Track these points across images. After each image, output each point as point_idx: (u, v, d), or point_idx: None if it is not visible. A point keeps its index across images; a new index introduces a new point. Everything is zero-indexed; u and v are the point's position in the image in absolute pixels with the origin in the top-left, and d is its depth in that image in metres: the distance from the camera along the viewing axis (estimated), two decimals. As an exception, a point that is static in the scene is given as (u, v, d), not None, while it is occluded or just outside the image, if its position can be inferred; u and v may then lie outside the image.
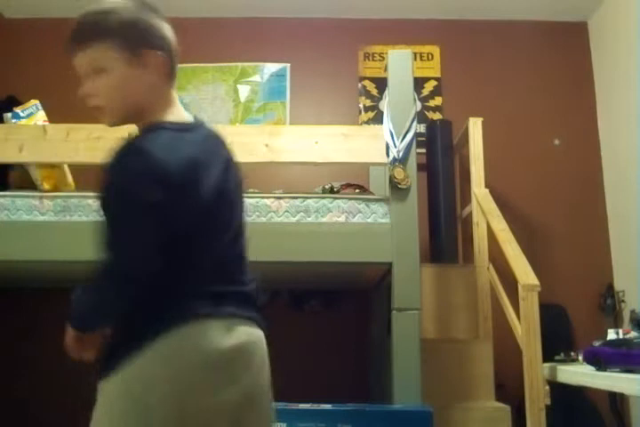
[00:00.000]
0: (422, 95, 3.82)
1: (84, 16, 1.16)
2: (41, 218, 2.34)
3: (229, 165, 1.28)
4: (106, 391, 1.13)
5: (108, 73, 1.14)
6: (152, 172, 1.08)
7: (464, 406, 2.59)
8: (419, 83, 3.64)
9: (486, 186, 3.19)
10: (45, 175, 2.52)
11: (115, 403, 1.10)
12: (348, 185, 2.89)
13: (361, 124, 3.79)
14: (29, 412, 3.28)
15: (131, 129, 1.22)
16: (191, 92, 3.81)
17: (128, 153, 1.12)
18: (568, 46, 3.91)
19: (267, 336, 1.27)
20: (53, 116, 2.75)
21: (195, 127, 1.24)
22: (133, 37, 1.16)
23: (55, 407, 3.25)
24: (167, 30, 1.25)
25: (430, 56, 3.90)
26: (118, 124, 1.21)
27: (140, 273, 1.11)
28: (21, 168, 2.59)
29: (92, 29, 1.14)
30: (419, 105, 3.76)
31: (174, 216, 1.12)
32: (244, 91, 3.84)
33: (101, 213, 1.15)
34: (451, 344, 2.83)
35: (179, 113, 1.24)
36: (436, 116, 3.79)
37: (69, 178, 2.74)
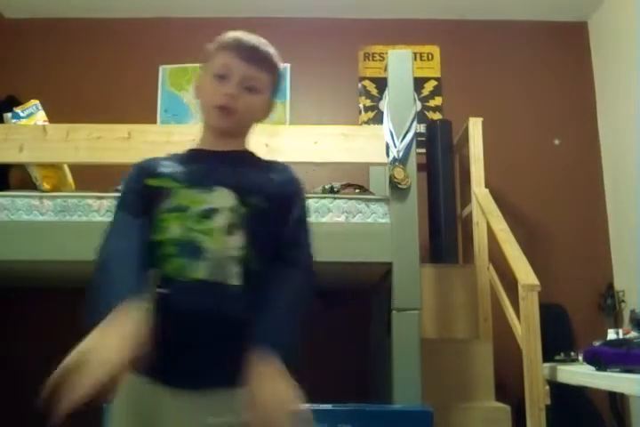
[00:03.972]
0: (422, 95, 3.82)
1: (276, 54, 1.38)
2: (41, 218, 2.34)
3: None
4: (238, 401, 1.10)
5: (260, 96, 1.29)
6: None
7: (464, 406, 2.59)
8: (419, 83, 3.64)
9: (486, 186, 3.19)
10: (45, 175, 2.52)
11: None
12: (348, 185, 2.89)
13: (361, 124, 3.79)
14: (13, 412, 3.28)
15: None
16: (191, 92, 3.80)
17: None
18: (568, 46, 3.90)
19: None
20: (53, 116, 2.75)
21: None
22: (279, 89, 1.39)
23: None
24: None
25: (430, 56, 3.90)
26: (230, 130, 1.30)
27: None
28: (21, 168, 2.59)
29: (277, 65, 1.37)
30: (419, 105, 3.75)
31: None
32: (243, 91, 3.84)
33: (302, 223, 1.33)
34: (451, 344, 2.83)
35: None
36: (436, 116, 3.79)
37: (69, 178, 2.74)
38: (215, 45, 1.30)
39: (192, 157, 1.30)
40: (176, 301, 1.13)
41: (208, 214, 1.18)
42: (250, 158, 1.33)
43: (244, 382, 1.08)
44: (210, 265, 1.15)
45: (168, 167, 1.26)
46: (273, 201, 1.22)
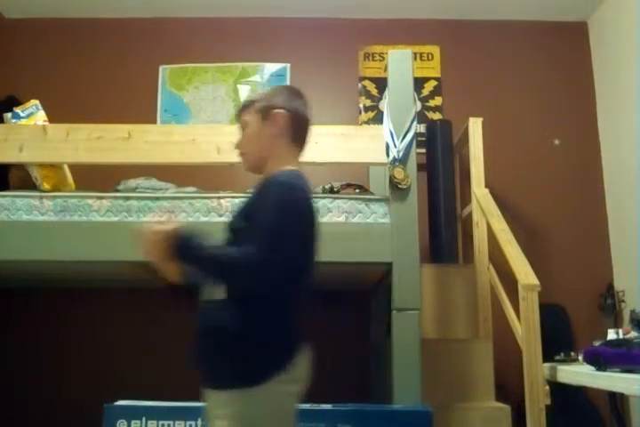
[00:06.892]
0: (422, 95, 3.82)
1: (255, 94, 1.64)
2: (41, 218, 2.34)
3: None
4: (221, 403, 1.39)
5: (247, 129, 1.57)
6: None
7: (464, 406, 2.59)
8: (419, 83, 3.64)
9: (486, 186, 3.19)
10: (45, 175, 2.52)
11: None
12: (348, 185, 2.89)
13: (361, 124, 3.79)
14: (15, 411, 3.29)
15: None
16: (191, 92, 3.81)
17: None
18: (568, 46, 3.90)
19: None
20: (53, 116, 2.75)
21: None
22: (265, 108, 1.59)
23: (39, 406, 3.26)
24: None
25: (430, 56, 3.90)
26: (252, 169, 1.57)
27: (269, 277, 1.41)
28: (21, 168, 2.59)
29: (251, 100, 1.60)
30: (419, 105, 3.76)
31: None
32: (244, 91, 3.85)
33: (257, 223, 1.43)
34: (451, 344, 2.83)
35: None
36: (436, 116, 3.79)
37: (69, 178, 2.74)
38: None
39: None
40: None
41: None
42: (259, 184, 1.48)
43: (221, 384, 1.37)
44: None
45: None
46: (249, 217, 1.42)
